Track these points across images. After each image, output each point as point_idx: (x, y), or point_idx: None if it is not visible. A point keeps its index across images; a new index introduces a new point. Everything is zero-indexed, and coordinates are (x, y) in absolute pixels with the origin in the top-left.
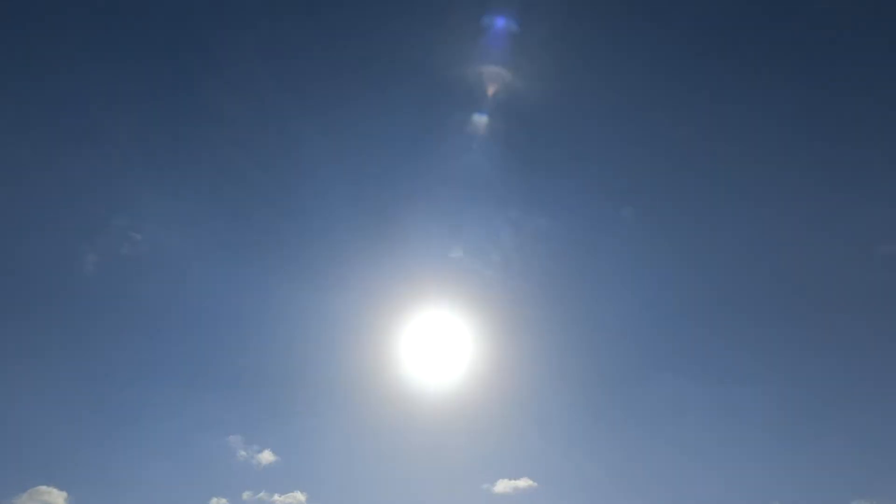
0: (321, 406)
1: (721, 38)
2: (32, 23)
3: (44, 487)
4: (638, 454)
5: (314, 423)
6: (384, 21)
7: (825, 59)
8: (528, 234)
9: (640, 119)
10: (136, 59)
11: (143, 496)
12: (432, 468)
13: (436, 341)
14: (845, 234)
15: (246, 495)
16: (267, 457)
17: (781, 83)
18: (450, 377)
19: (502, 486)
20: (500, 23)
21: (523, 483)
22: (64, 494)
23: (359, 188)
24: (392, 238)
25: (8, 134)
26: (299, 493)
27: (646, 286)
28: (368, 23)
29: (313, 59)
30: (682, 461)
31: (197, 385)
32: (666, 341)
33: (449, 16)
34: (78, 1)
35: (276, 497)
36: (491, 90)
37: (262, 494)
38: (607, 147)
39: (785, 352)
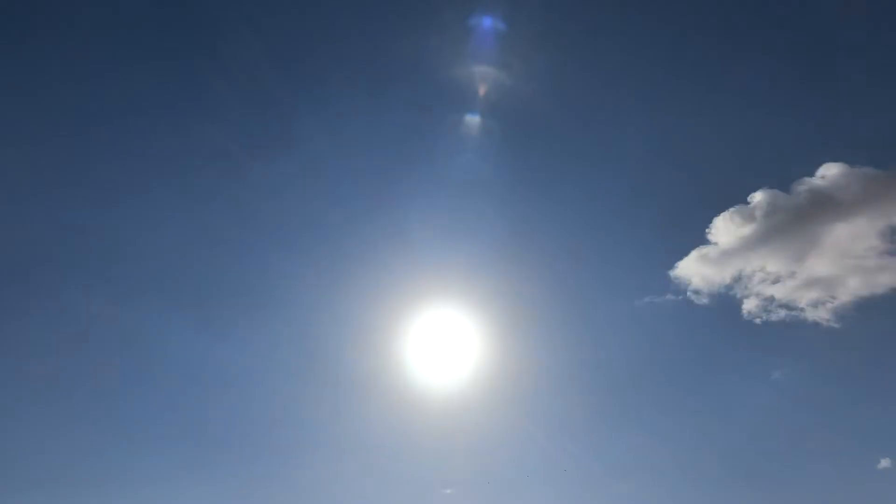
0: (324, 405)
1: (716, 30)
2: (38, 27)
3: None
4: (645, 453)
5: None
6: (372, 24)
7: (825, 50)
8: (527, 233)
9: (635, 115)
10: (140, 60)
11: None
12: (436, 468)
13: (436, 341)
14: None
15: None
16: None
17: (780, 77)
18: (451, 377)
19: None
20: (488, 22)
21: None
22: None
23: (357, 190)
24: (390, 239)
25: (13, 133)
26: None
27: (648, 283)
28: (357, 25)
29: (306, 62)
30: (689, 460)
31: (198, 385)
32: (670, 338)
33: (436, 17)
34: (82, 4)
35: None
36: (482, 90)
37: None
38: (603, 143)
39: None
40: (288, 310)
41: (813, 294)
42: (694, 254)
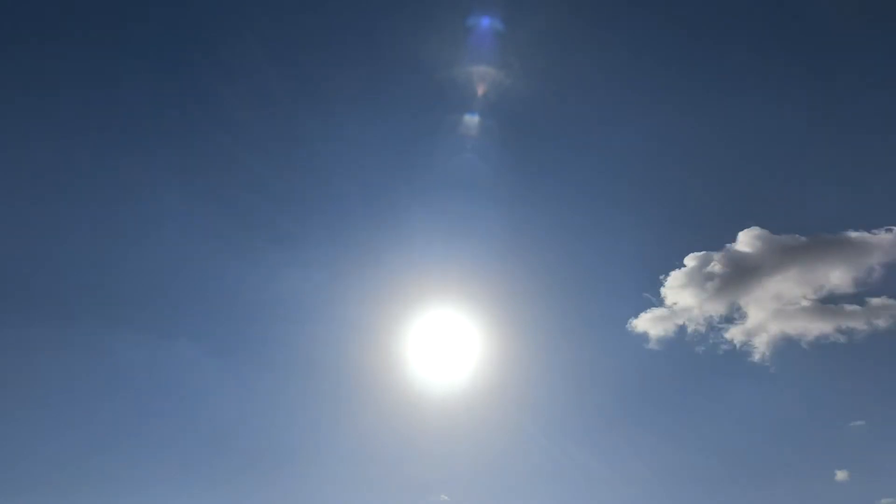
0: (323, 403)
1: (715, 28)
2: (45, 29)
3: None
4: (646, 453)
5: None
6: (370, 25)
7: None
8: (526, 232)
9: (633, 113)
10: (144, 65)
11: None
12: (433, 472)
13: (435, 343)
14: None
15: None
16: None
17: (782, 77)
18: (450, 379)
19: None
20: (486, 22)
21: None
22: None
23: (357, 190)
24: (390, 239)
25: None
26: None
27: (647, 281)
28: (356, 27)
29: (306, 63)
30: (693, 460)
31: (200, 381)
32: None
33: (435, 17)
34: (86, 8)
35: None
36: (481, 90)
37: None
38: (601, 142)
39: None
40: (287, 310)
41: (751, 339)
42: (646, 315)
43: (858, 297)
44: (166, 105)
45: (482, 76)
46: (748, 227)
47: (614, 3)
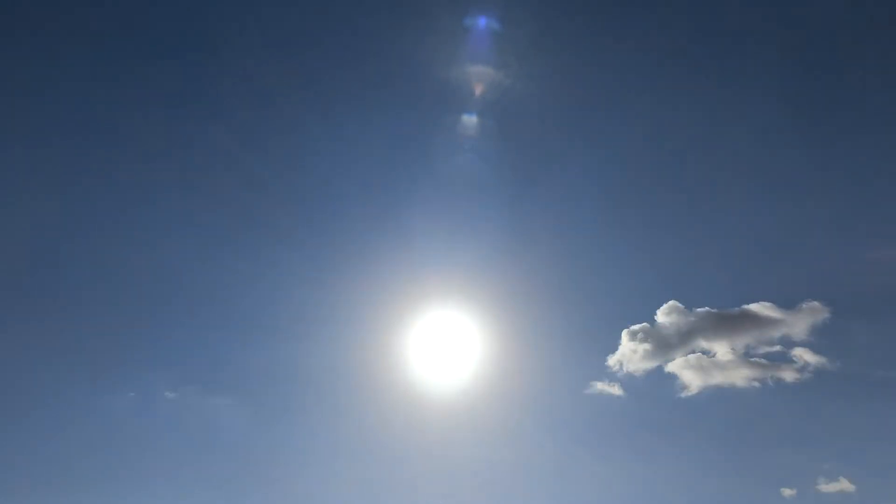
0: (324, 406)
1: (714, 27)
2: (43, 27)
3: None
4: (648, 457)
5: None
6: (369, 25)
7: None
8: (525, 232)
9: (631, 112)
10: (143, 60)
11: None
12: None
13: (435, 342)
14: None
15: None
16: None
17: (780, 74)
18: (450, 377)
19: None
20: (483, 22)
21: None
22: None
23: (355, 191)
24: (388, 240)
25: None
26: None
27: (647, 282)
28: (353, 26)
29: (303, 63)
30: (694, 468)
31: (201, 380)
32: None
33: (432, 17)
34: (85, 7)
35: None
36: (479, 90)
37: None
38: (600, 141)
39: None
40: (288, 311)
41: (688, 387)
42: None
43: (780, 354)
44: (166, 104)
45: (480, 76)
46: (667, 300)
47: (613, 3)
